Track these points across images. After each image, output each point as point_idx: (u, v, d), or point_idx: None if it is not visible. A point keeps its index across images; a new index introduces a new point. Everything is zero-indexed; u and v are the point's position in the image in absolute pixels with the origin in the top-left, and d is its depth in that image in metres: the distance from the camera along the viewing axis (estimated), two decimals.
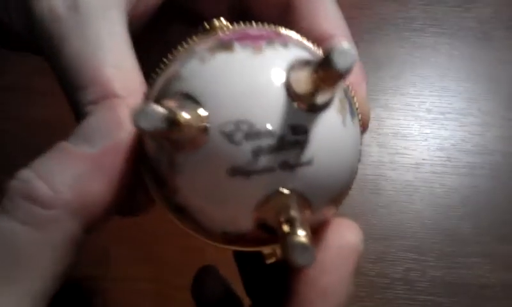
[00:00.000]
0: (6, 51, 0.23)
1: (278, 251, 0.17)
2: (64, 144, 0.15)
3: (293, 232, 0.13)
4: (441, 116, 0.41)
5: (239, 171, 0.14)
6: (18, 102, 0.40)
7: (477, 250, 0.37)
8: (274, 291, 0.19)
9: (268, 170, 0.14)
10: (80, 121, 0.16)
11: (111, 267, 0.36)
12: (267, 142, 0.14)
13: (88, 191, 0.15)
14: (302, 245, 0.13)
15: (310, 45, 0.17)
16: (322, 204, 0.16)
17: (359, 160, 0.17)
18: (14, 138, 0.39)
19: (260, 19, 0.17)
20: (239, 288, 0.24)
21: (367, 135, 0.36)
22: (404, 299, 0.37)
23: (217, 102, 0.14)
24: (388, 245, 0.38)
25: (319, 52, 0.17)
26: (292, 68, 0.15)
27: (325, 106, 0.15)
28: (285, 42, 0.16)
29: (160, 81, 0.16)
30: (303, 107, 0.14)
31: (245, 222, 0.15)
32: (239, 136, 0.14)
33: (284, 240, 0.13)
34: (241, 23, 0.17)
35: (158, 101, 0.14)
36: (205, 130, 0.14)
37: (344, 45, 0.12)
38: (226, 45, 0.15)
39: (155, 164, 0.15)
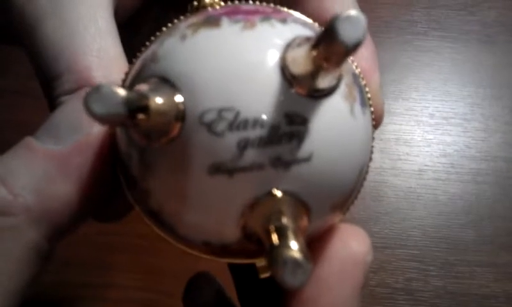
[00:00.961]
0: None
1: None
2: (28, 140, 0.14)
3: (283, 244, 0.11)
4: (444, 121, 0.40)
5: (221, 169, 0.12)
6: (9, 105, 0.39)
7: (480, 259, 0.37)
8: None
9: (257, 167, 0.12)
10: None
11: (103, 275, 0.36)
12: (255, 133, 0.11)
13: (53, 195, 0.13)
14: (293, 261, 0.10)
15: (315, 24, 0.14)
16: (324, 210, 0.13)
17: (370, 159, 0.14)
18: (4, 142, 0.38)
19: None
20: (235, 296, 0.22)
21: None
22: None
23: (196, 85, 0.12)
24: (389, 254, 0.37)
25: None
26: (290, 46, 0.12)
27: (328, 91, 0.12)
28: (284, 18, 0.13)
29: (137, 64, 0.14)
30: (302, 91, 0.12)
31: (229, 231, 0.13)
32: (221, 126, 0.12)
33: (271, 253, 0.11)
34: (236, 0, 0.14)
35: (132, 87, 0.12)
36: (180, 118, 0.12)
37: (352, 12, 0.10)
38: (212, 21, 0.13)
39: (127, 162, 0.13)
